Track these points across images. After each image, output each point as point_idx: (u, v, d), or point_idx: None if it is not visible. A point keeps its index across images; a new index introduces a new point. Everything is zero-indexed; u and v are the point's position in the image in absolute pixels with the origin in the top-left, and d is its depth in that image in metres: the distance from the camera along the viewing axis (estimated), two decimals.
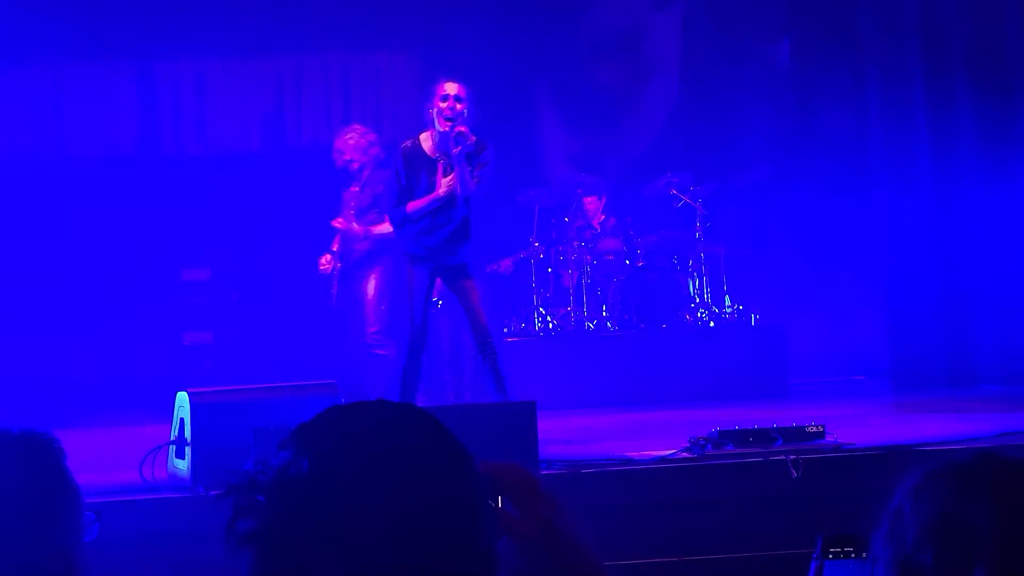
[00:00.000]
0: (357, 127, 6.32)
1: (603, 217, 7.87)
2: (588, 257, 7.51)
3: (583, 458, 4.11)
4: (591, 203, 7.85)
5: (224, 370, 7.67)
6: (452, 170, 4.54)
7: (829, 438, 4.18)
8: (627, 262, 7.55)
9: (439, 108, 4.52)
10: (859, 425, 4.81)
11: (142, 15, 8.03)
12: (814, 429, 4.20)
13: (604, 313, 7.38)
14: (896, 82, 7.20)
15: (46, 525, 1.22)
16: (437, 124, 4.56)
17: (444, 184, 4.53)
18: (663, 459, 4.05)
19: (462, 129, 4.49)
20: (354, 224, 5.78)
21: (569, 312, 7.38)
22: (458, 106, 4.53)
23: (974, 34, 7.03)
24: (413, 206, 4.56)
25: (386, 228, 5.61)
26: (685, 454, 4.11)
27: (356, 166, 5.97)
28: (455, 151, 4.49)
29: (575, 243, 7.54)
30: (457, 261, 4.70)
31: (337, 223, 5.81)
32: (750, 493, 3.85)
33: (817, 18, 8.15)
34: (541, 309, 7.33)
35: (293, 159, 8.50)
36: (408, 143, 4.63)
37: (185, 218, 8.22)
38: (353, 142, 6.00)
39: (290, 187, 8.30)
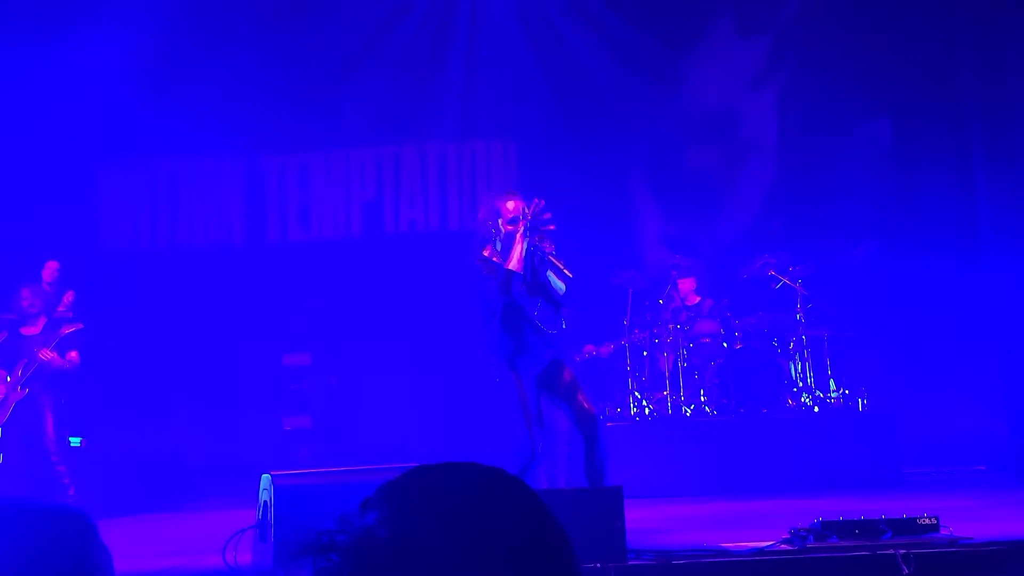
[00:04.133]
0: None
1: (698, 299, 7.71)
2: (684, 340, 7.34)
3: (674, 548, 3.92)
4: (685, 284, 7.71)
5: (322, 454, 7.72)
6: None
7: (944, 531, 3.89)
8: (724, 344, 7.34)
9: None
10: (978, 519, 4.47)
11: (250, 112, 8.44)
12: (927, 521, 3.92)
13: (702, 397, 7.16)
14: (1003, 160, 6.91)
15: None
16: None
17: None
18: (760, 551, 3.82)
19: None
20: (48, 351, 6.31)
21: (665, 396, 7.19)
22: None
23: None
24: None
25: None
26: (785, 546, 3.88)
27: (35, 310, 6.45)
28: None
29: (670, 325, 7.39)
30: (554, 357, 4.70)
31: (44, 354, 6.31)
32: None
33: (920, 95, 7.95)
34: (636, 393, 7.17)
35: (391, 245, 8.68)
36: None
37: (287, 304, 8.43)
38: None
39: (388, 273, 8.45)
